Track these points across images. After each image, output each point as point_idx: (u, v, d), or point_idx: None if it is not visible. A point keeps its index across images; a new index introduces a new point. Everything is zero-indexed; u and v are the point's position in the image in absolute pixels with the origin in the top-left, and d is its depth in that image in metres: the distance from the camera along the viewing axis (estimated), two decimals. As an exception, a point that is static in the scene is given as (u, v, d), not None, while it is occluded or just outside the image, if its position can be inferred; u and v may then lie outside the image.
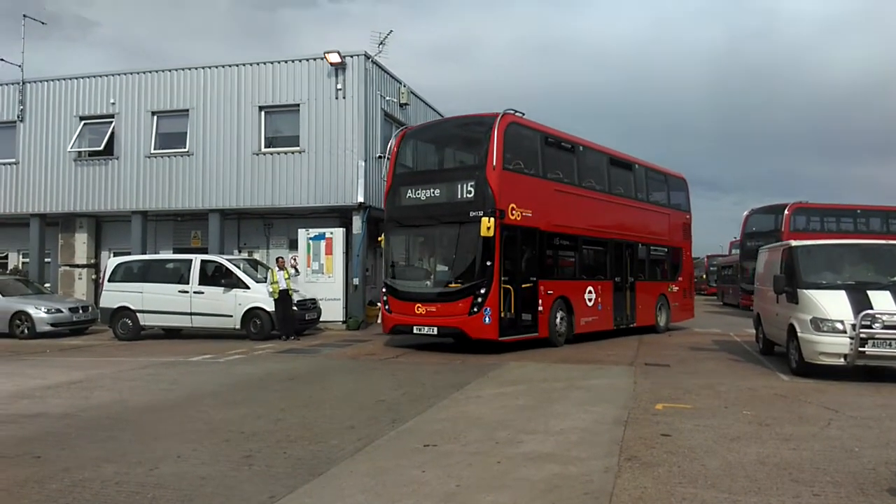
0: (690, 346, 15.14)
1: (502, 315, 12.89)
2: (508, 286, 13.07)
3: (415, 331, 13.63)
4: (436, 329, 13.33)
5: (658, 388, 9.33)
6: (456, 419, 7.42)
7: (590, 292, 15.67)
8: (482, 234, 12.49)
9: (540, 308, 13.88)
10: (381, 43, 21.19)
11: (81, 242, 23.84)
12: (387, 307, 14.21)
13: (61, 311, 17.81)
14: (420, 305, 13.50)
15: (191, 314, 16.55)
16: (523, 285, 13.52)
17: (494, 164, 12.95)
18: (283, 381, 10.37)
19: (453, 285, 13.25)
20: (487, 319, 12.67)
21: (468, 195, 13.20)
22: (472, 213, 12.86)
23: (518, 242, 13.53)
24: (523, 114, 13.96)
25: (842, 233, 25.46)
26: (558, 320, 14.46)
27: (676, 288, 19.75)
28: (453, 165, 15.52)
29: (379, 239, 14.79)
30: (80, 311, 18.38)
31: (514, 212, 13.28)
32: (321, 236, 19.24)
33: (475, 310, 12.74)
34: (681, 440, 6.41)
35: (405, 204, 14.20)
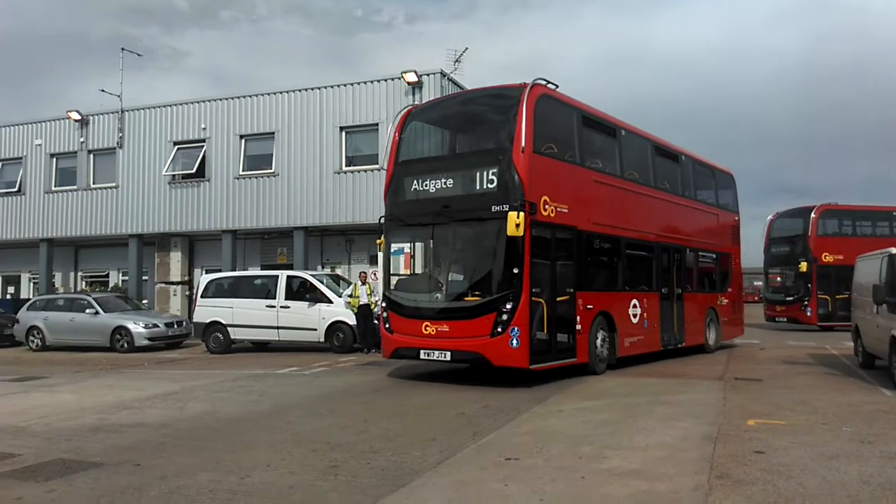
0: (783, 359, 14.46)
1: (533, 336, 10.40)
2: (540, 299, 10.57)
3: (422, 356, 11.08)
4: (449, 354, 10.76)
5: (750, 404, 8.95)
6: (537, 433, 7.35)
7: (634, 306, 13.20)
8: (509, 232, 9.98)
9: (578, 327, 11.35)
10: (457, 60, 21.51)
11: (176, 261, 25.10)
12: (387, 326, 11.64)
13: (158, 326, 18.70)
14: (429, 324, 10.93)
15: (277, 328, 17.06)
16: (558, 299, 11.01)
17: (523, 145, 10.35)
18: (365, 392, 10.54)
19: (471, 298, 10.77)
20: (515, 342, 10.12)
21: (490, 185, 10.69)
22: (494, 208, 10.39)
23: (552, 244, 11.00)
24: (557, 86, 11.44)
25: (877, 237, 23.73)
26: (599, 341, 11.94)
27: (726, 300, 17.35)
28: (470, 149, 12.71)
29: (378, 242, 12.31)
30: (175, 326, 19.26)
31: (546, 206, 10.74)
32: (400, 251, 19.43)
33: (499, 330, 10.20)
34: (776, 458, 6.12)
35: (410, 198, 11.69)
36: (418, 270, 12.51)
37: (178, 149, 23.88)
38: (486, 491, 5.31)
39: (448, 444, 6.84)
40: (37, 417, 8.60)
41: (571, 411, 8.63)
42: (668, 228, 14.95)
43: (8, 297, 27.89)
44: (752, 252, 27.54)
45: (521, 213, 10.03)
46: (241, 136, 23.02)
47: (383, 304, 11.94)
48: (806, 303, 24.12)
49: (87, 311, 18.85)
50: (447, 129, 12.82)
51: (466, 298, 10.90)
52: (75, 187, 25.51)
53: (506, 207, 10.21)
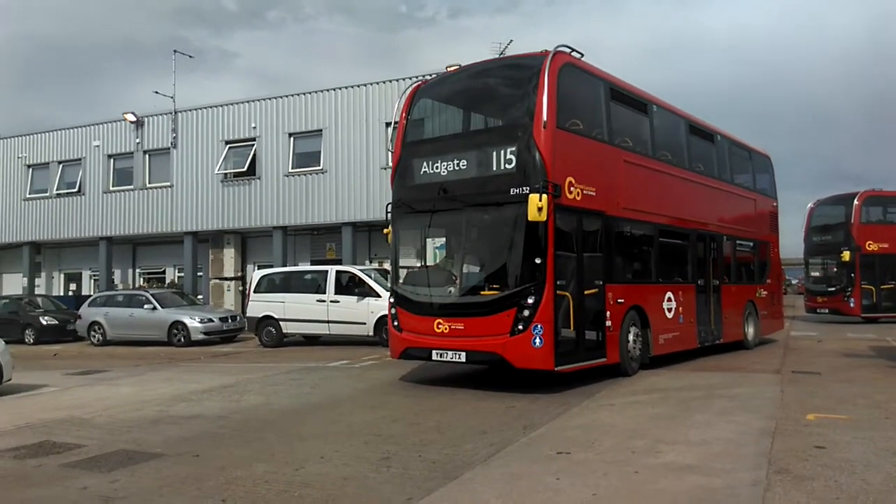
0: (843, 352, 14.02)
1: (558, 334, 9.30)
2: (565, 293, 9.48)
3: (434, 357, 9.99)
4: (464, 355, 9.67)
5: (809, 398, 8.71)
6: (589, 427, 7.28)
7: (669, 300, 12.07)
8: (530, 218, 8.87)
9: (608, 323, 10.23)
10: (501, 53, 21.32)
11: (229, 257, 25.67)
12: (395, 324, 10.57)
13: (213, 321, 19.17)
14: (441, 321, 9.82)
15: (328, 322, 17.29)
16: (585, 292, 9.90)
17: (545, 120, 9.20)
18: (414, 385, 10.60)
19: (488, 292, 9.66)
20: (538, 341, 9.01)
21: (508, 165, 9.54)
22: (514, 191, 9.30)
23: (578, 231, 9.88)
24: (582, 55, 10.26)
25: None
26: (631, 339, 10.80)
27: (765, 292, 16.14)
28: (486, 126, 11.38)
29: (385, 231, 11.43)
30: (230, 321, 19.69)
31: (571, 188, 9.61)
32: (444, 246, 19.53)
33: (520, 327, 9.12)
34: (837, 453, 5.94)
35: (420, 182, 10.57)
36: (429, 262, 11.36)
37: (230, 148, 24.41)
38: (537, 484, 5.29)
39: (499, 437, 6.84)
40: (100, 410, 8.91)
41: (623, 405, 8.53)
42: (704, 214, 13.81)
43: (70, 293, 28.99)
44: (800, 242, 26.78)
45: (544, 196, 8.91)
46: (290, 135, 23.41)
47: (391, 300, 10.93)
48: (849, 293, 23.24)
49: (146, 306, 19.43)
50: (459, 106, 11.48)
51: (483, 292, 9.80)
52: (132, 187, 26.31)
53: (526, 190, 9.13)
